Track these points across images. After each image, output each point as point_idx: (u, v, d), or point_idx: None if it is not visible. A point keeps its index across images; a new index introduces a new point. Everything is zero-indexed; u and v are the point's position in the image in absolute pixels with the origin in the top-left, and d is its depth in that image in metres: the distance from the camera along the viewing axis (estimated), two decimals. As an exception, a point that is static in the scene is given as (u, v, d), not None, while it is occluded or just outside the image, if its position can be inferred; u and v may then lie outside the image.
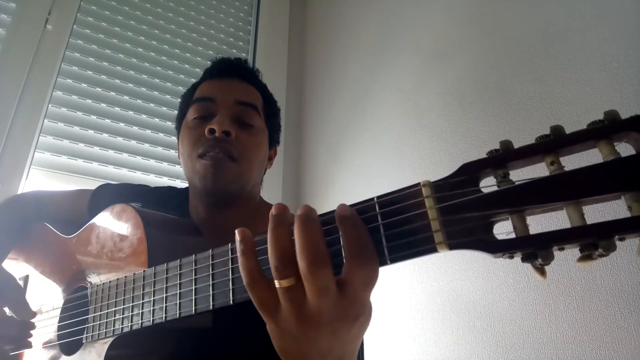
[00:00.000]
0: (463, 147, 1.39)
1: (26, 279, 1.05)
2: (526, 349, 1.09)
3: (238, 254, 0.51)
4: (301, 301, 0.47)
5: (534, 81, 1.24)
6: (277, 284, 0.48)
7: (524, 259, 0.39)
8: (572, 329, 1.02)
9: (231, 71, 1.05)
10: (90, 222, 0.92)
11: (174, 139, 1.94)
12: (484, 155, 0.42)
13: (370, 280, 0.47)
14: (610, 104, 1.06)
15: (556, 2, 1.24)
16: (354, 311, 0.48)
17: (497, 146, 0.42)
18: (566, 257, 0.82)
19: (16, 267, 1.08)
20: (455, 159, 1.40)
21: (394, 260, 0.45)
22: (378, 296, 1.48)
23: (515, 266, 1.14)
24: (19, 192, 1.57)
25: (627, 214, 0.35)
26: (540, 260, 0.37)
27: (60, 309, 0.93)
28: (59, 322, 0.92)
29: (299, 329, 0.49)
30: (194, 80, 1.12)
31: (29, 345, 0.94)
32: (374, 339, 1.45)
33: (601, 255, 0.36)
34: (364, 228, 0.47)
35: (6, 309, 0.95)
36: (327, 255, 0.47)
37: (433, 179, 0.44)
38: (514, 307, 1.14)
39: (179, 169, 1.93)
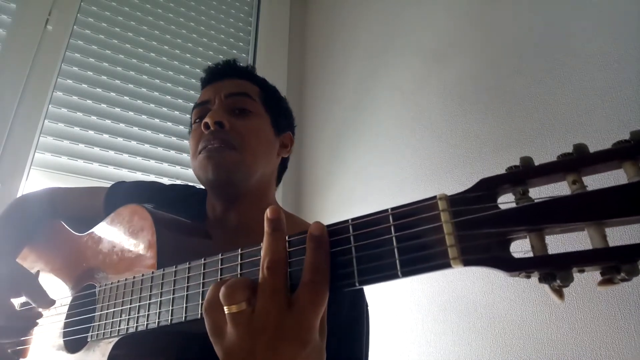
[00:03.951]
0: (463, 147, 1.39)
1: (37, 274, 1.06)
2: (526, 350, 1.10)
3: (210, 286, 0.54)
4: (248, 319, 0.49)
5: (534, 82, 1.24)
6: (226, 310, 0.50)
7: (541, 280, 0.38)
8: (573, 329, 1.03)
9: (222, 73, 1.08)
10: (103, 221, 0.93)
11: (174, 139, 1.94)
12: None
13: (317, 303, 0.48)
14: (610, 104, 1.06)
15: (556, 2, 1.24)
16: (300, 334, 0.48)
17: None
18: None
19: (28, 263, 1.08)
20: (456, 159, 1.40)
21: (406, 274, 0.45)
22: (378, 296, 1.49)
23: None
24: (19, 192, 1.57)
25: None
26: (559, 281, 0.36)
27: (68, 306, 0.93)
28: (65, 319, 0.92)
29: (243, 343, 0.49)
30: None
31: (30, 342, 0.95)
32: (374, 339, 1.45)
33: (623, 280, 0.34)
34: (324, 251, 0.49)
35: (18, 302, 0.96)
36: (286, 261, 0.51)
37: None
38: (514, 307, 1.14)
39: (179, 169, 1.94)
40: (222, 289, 0.50)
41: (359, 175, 1.80)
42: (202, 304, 0.62)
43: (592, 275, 1.03)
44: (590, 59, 1.13)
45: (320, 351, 0.51)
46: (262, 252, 0.51)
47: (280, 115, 1.09)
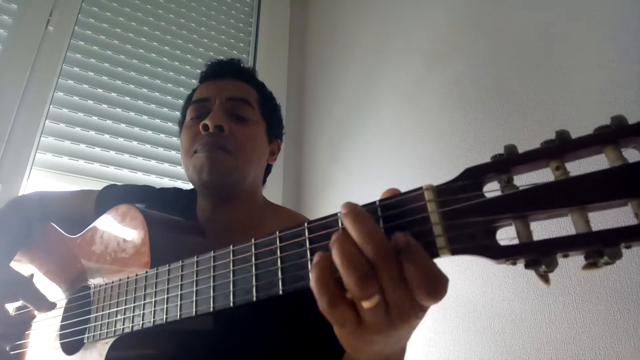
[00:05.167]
0: (463, 148, 1.39)
1: (30, 278, 1.06)
2: (526, 349, 1.09)
3: (314, 271, 0.45)
4: (386, 311, 0.44)
5: (533, 82, 1.24)
6: (359, 304, 0.44)
7: (527, 266, 0.38)
8: (572, 329, 1.02)
9: (224, 71, 1.09)
10: (95, 222, 0.93)
11: (175, 139, 1.95)
12: (483, 157, 0.41)
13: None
14: (609, 105, 1.06)
15: (555, 2, 1.24)
16: (418, 319, 0.48)
17: (497, 146, 0.41)
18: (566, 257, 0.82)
19: (21, 267, 1.08)
20: (455, 160, 1.39)
21: None
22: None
23: (514, 266, 1.14)
24: (20, 192, 1.57)
25: (634, 221, 0.34)
26: (544, 267, 0.36)
27: (63, 308, 0.94)
28: (61, 322, 0.92)
29: (381, 335, 0.46)
30: (194, 82, 1.14)
31: (27, 345, 0.95)
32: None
33: (607, 263, 0.34)
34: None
35: (10, 307, 0.96)
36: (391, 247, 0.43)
37: (433, 180, 0.44)
38: (513, 307, 1.14)
39: (180, 169, 1.94)
40: (353, 280, 0.42)
41: (359, 175, 1.80)
42: (195, 301, 0.62)
43: (592, 275, 1.03)
44: (590, 59, 1.13)
45: None
46: (358, 240, 0.43)
47: (274, 124, 1.11)
